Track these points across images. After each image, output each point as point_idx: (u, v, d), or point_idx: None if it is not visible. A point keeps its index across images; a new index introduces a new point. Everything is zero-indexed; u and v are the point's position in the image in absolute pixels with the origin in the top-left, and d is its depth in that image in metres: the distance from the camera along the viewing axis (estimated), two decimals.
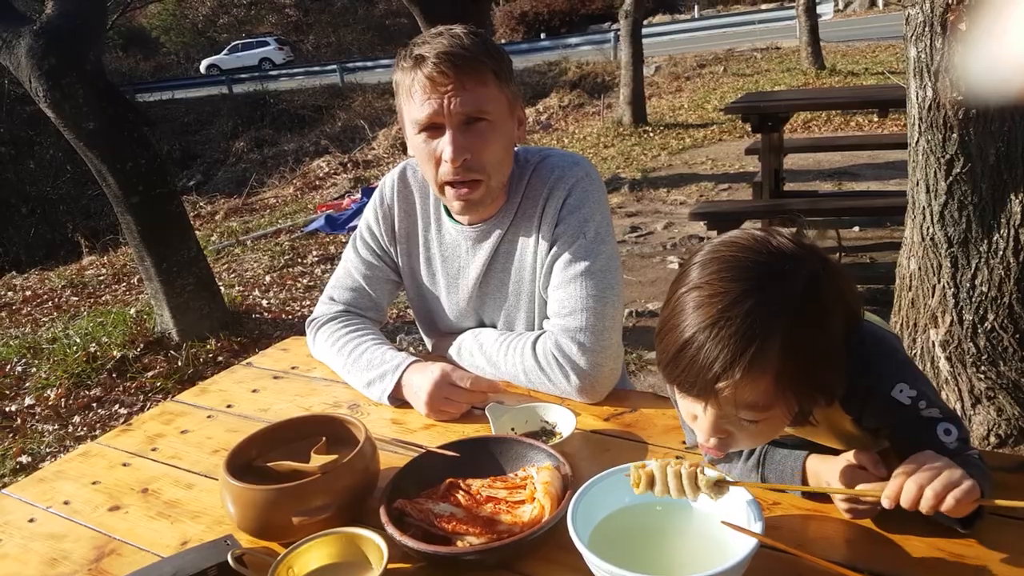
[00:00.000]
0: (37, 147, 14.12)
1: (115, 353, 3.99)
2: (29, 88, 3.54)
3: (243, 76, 22.04)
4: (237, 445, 1.20)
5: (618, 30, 10.74)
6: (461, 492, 1.13)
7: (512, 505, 1.10)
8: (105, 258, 7.41)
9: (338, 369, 1.58)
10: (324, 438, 1.22)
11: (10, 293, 6.27)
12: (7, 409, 3.71)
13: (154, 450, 1.42)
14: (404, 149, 9.48)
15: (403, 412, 1.45)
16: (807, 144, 5.91)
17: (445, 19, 6.14)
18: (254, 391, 1.62)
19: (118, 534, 1.18)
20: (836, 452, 1.04)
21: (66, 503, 1.28)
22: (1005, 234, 2.45)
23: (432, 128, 1.38)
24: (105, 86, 3.67)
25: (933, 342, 2.63)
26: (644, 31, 10.31)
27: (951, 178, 2.47)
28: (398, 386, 1.45)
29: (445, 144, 1.37)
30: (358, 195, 7.22)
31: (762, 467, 1.07)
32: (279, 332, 4.42)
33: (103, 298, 5.78)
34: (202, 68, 27.82)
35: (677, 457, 1.00)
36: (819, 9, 13.95)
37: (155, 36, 32.75)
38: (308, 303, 5.07)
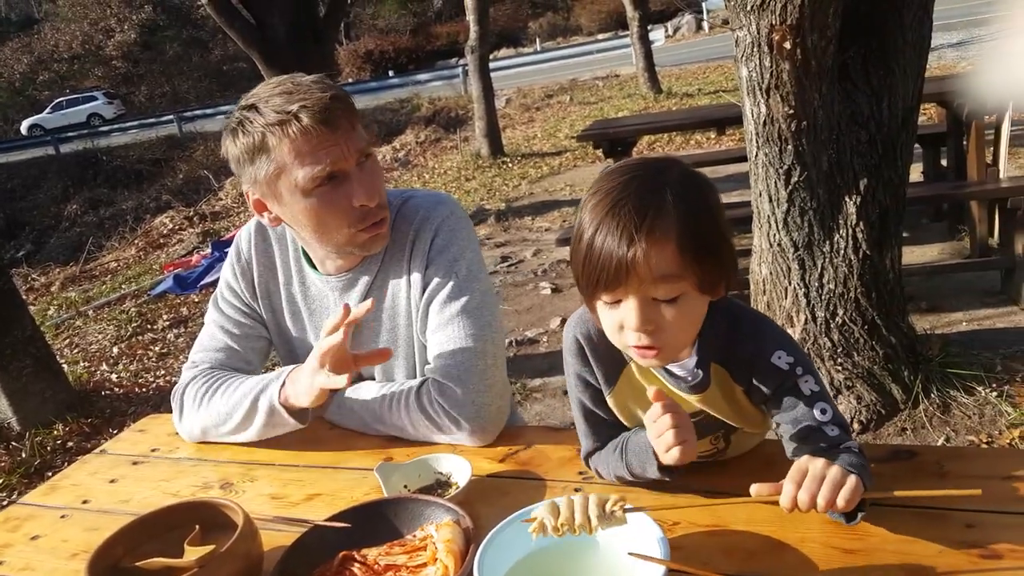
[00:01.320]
0: None
1: None
2: None
3: (70, 135, 20.62)
4: (99, 546, 1.07)
5: (466, 65, 10.91)
6: (357, 564, 1.06)
7: (413, 570, 1.04)
8: None
9: (215, 417, 1.44)
10: (198, 526, 1.11)
11: None
12: None
13: (2, 563, 1.24)
14: None
15: (282, 484, 1.35)
16: None
17: (287, 62, 5.99)
18: (112, 481, 1.46)
19: None
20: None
21: None
22: (844, 234, 2.65)
23: (331, 179, 1.31)
24: None
25: None
26: (492, 65, 10.54)
27: (790, 187, 2.65)
28: (282, 396, 1.35)
29: (356, 187, 1.31)
30: (208, 250, 6.85)
31: (625, 452, 1.11)
32: (133, 408, 4.10)
33: None
34: (23, 129, 25.88)
35: (576, 490, 0.98)
36: (651, 36, 14.83)
37: None
38: (163, 372, 4.74)
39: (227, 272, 1.55)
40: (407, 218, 1.45)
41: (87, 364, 5.05)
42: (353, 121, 1.32)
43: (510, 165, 9.54)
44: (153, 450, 1.56)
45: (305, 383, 1.30)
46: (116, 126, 21.48)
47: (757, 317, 1.09)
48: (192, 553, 1.02)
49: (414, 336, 1.47)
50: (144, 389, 4.48)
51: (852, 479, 0.89)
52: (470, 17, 9.54)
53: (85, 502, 1.39)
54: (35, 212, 16.64)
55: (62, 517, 1.36)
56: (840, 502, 0.88)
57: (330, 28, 6.82)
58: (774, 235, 2.75)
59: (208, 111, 19.49)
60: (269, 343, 1.59)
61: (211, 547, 1.02)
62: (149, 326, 5.67)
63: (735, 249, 1.04)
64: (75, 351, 5.45)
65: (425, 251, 1.42)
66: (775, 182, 2.67)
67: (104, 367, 4.95)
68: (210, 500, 1.15)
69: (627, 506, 0.95)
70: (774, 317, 2.84)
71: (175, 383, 1.55)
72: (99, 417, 3.97)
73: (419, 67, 24.19)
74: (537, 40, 27.17)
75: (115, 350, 5.27)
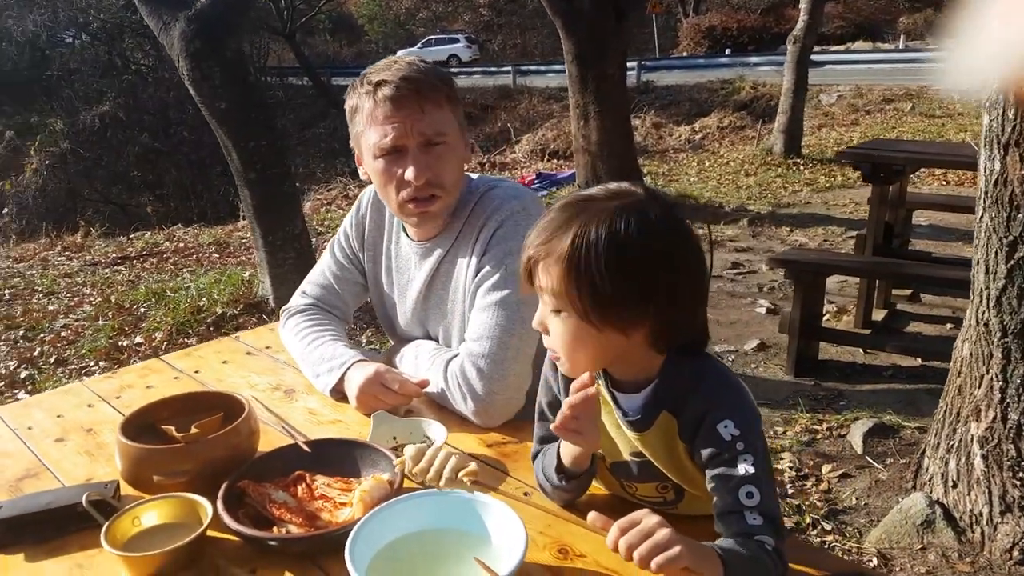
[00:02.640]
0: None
1: (218, 309, 4.46)
2: (178, 66, 4.04)
3: None
4: (145, 406, 1.39)
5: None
6: (303, 485, 1.25)
7: (337, 506, 1.20)
8: None
9: (297, 358, 1.73)
10: (222, 413, 1.37)
11: (167, 243, 7.10)
12: (120, 343, 4.26)
13: (117, 398, 1.65)
14: (543, 155, 9.66)
15: (324, 406, 1.59)
16: (939, 201, 5.41)
17: (582, 31, 6.30)
18: (224, 362, 1.82)
19: (48, 461, 1.40)
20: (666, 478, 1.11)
21: (29, 428, 1.53)
22: None
23: (394, 152, 1.48)
24: (241, 71, 4.12)
25: (972, 436, 2.41)
26: (838, 57, 9.80)
27: (1012, 261, 2.26)
28: (340, 380, 1.59)
29: (408, 165, 1.47)
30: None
31: (543, 456, 1.20)
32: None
33: (234, 259, 6.40)
34: None
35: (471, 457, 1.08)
36: None
37: (360, 24, 35.11)
38: None
39: (346, 220, 1.80)
40: (484, 206, 1.57)
41: None
42: (424, 105, 1.45)
43: (800, 168, 8.92)
44: (267, 347, 1.89)
45: (355, 386, 1.52)
46: (464, 69, 23.71)
47: (724, 381, 1.05)
48: (193, 433, 1.29)
49: (466, 313, 1.60)
50: None
51: (676, 549, 0.88)
52: (802, 5, 8.95)
53: (197, 372, 1.77)
54: None
55: (175, 378, 1.74)
56: (652, 566, 0.88)
57: (631, 7, 6.89)
58: (983, 313, 2.37)
59: (542, 67, 20.72)
60: (364, 289, 1.82)
61: (197, 432, 1.27)
62: None
63: (680, 303, 1.00)
64: None
65: (487, 239, 1.54)
66: (996, 252, 2.29)
67: None
68: (235, 395, 1.41)
69: (474, 479, 1.06)
70: (962, 404, 2.46)
71: None
72: None
73: (759, 48, 23.09)
74: (902, 37, 24.38)
75: None
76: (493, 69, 22.23)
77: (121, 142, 14.71)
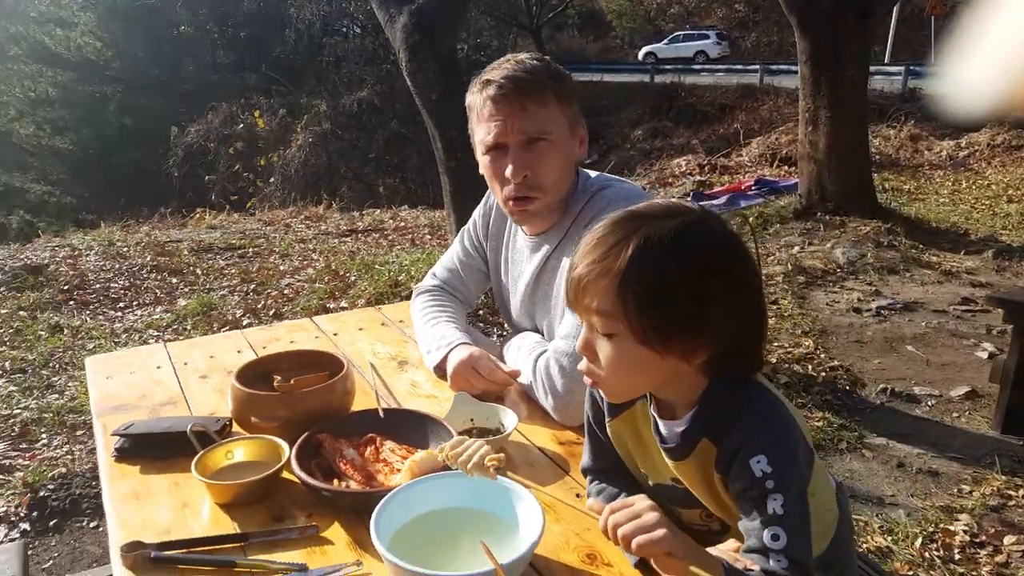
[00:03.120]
0: None
1: (411, 285, 4.79)
2: (398, 57, 4.39)
3: (666, 67, 22.89)
4: (264, 357, 1.56)
5: None
6: (372, 447, 1.34)
7: (394, 470, 1.28)
8: None
9: (416, 333, 1.85)
10: (328, 372, 1.51)
11: (391, 221, 7.74)
12: (327, 305, 4.75)
13: (264, 348, 1.86)
14: (772, 160, 9.16)
15: (426, 380, 1.68)
16: None
17: (821, 30, 5.92)
18: (360, 329, 1.98)
19: (188, 394, 1.62)
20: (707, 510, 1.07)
21: (185, 364, 1.78)
22: None
23: (497, 148, 1.53)
24: (453, 64, 4.37)
25: None
26: None
27: None
28: (443, 360, 1.68)
29: (509, 161, 1.50)
30: (688, 199, 7.24)
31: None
32: None
33: (443, 241, 6.81)
34: (640, 55, 29.36)
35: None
36: None
37: (609, 20, 35.42)
38: None
39: (476, 210, 1.88)
40: (593, 205, 1.56)
41: None
42: (527, 103, 1.46)
43: None
44: (400, 320, 2.03)
45: (451, 366, 1.59)
46: (706, 67, 23.07)
47: (767, 412, 0.97)
48: (289, 384, 1.44)
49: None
50: None
51: (660, 532, 0.89)
52: None
53: (335, 334, 1.94)
54: (612, 129, 19.35)
55: (316, 337, 1.92)
56: (633, 546, 0.89)
57: (879, 5, 6.27)
58: None
59: (794, 66, 19.45)
60: (486, 277, 1.88)
61: (292, 384, 1.41)
62: None
63: (702, 323, 0.93)
64: None
65: None
66: None
67: None
68: (341, 357, 1.53)
69: (498, 466, 1.08)
70: None
71: None
72: None
73: None
74: None
75: None
76: (739, 67, 21.36)
77: (374, 126, 16.24)
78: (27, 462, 2.97)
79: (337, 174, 16.32)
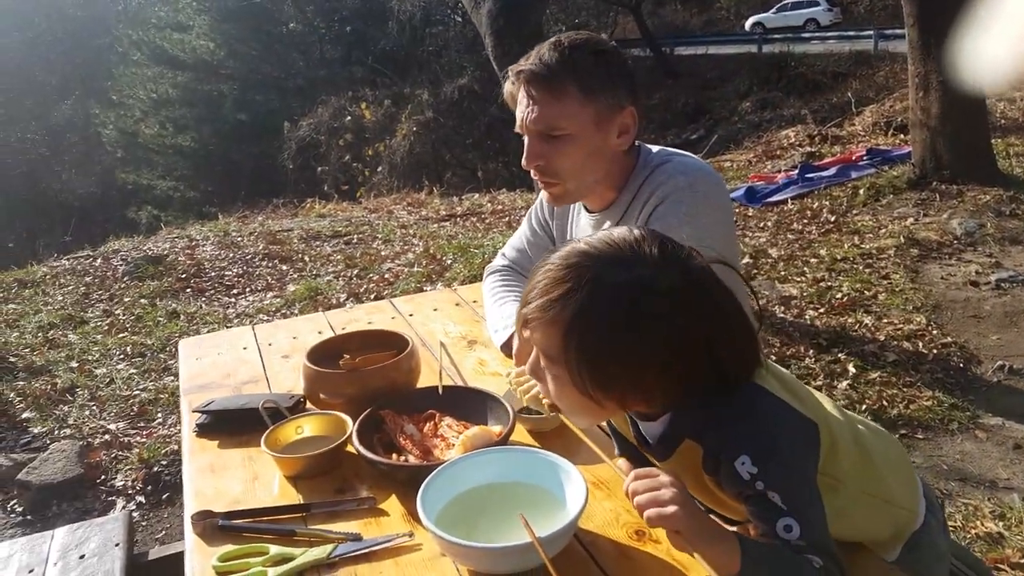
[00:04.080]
0: None
1: None
2: (485, 43, 4.41)
3: (775, 37, 21.92)
4: (335, 336, 1.63)
5: None
6: (431, 423, 1.37)
7: (449, 445, 1.31)
8: None
9: (486, 312, 1.87)
10: (395, 351, 1.55)
11: (488, 205, 7.82)
12: (423, 288, 4.86)
13: (343, 329, 1.92)
14: (887, 129, 8.62)
15: (493, 359, 1.70)
16: None
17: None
18: (435, 309, 2.02)
19: (269, 373, 1.71)
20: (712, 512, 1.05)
21: (270, 344, 1.87)
22: None
23: (521, 136, 1.54)
24: None
25: None
26: None
27: None
28: (509, 339, 1.69)
29: (525, 148, 1.52)
30: (794, 171, 6.91)
31: None
32: None
33: None
34: (747, 25, 28.21)
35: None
36: None
37: None
38: None
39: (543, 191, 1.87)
40: (652, 180, 1.52)
41: None
42: (542, 97, 1.44)
43: None
44: (474, 301, 2.05)
45: (513, 346, 1.59)
46: (816, 35, 21.93)
47: (743, 411, 0.94)
48: (354, 362, 1.49)
49: None
50: None
51: (671, 509, 0.88)
52: None
53: (411, 315, 1.99)
54: (718, 103, 18.70)
55: (392, 318, 1.98)
56: (645, 516, 0.91)
57: None
58: None
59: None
60: None
61: (357, 362, 1.46)
62: None
63: (653, 381, 0.93)
64: None
65: (648, 213, 1.50)
66: None
67: None
68: (406, 336, 1.57)
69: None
70: None
71: None
72: None
73: None
74: None
75: None
76: (852, 33, 20.16)
77: (475, 112, 16.41)
78: (144, 439, 3.22)
79: (441, 161, 16.63)
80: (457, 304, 2.06)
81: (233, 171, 16.68)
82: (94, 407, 3.55)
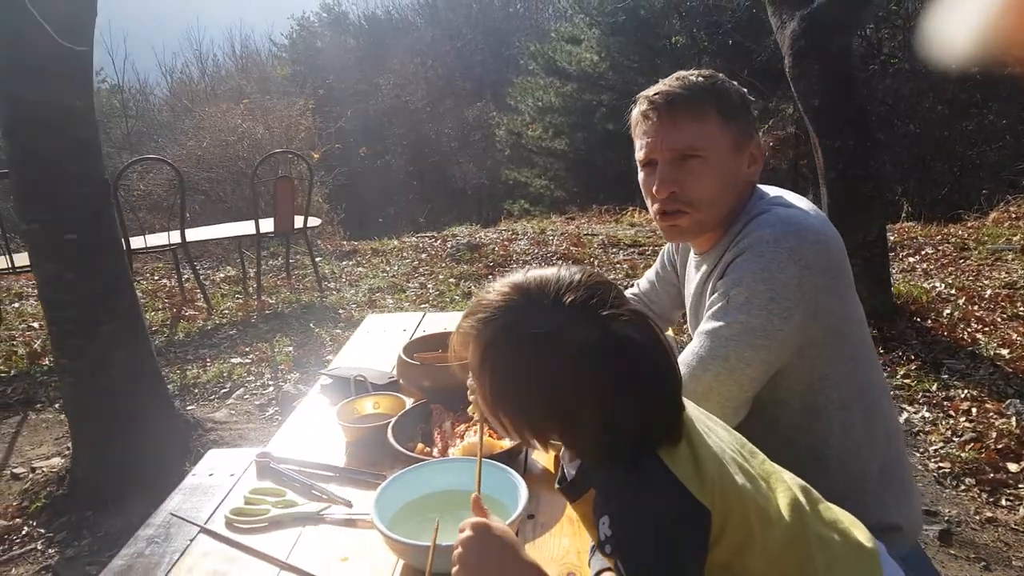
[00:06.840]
0: (975, 111, 14.03)
1: None
2: (785, 63, 4.14)
3: None
4: (427, 335, 1.84)
5: None
6: (465, 425, 1.51)
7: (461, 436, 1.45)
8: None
9: None
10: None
11: None
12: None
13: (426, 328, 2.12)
14: None
15: None
16: None
17: None
18: None
19: (372, 357, 1.98)
20: None
21: (424, 330, 2.14)
22: None
23: (649, 164, 1.49)
24: (843, 70, 3.94)
25: None
26: None
27: None
28: None
29: (656, 177, 1.46)
30: None
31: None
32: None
33: None
34: None
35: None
36: None
37: None
38: None
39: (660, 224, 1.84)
40: (748, 229, 1.43)
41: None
42: (679, 119, 1.40)
43: None
44: None
45: None
46: None
47: (635, 479, 0.90)
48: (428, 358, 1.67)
49: None
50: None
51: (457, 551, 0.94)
52: None
53: None
54: None
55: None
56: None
57: None
58: None
59: None
60: (679, 292, 1.83)
61: (430, 358, 1.64)
62: None
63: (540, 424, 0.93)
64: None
65: (727, 263, 1.42)
66: None
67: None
68: None
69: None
70: None
71: None
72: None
73: None
74: None
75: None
76: None
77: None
78: None
79: (800, 176, 15.56)
80: None
81: (596, 176, 17.61)
82: None
